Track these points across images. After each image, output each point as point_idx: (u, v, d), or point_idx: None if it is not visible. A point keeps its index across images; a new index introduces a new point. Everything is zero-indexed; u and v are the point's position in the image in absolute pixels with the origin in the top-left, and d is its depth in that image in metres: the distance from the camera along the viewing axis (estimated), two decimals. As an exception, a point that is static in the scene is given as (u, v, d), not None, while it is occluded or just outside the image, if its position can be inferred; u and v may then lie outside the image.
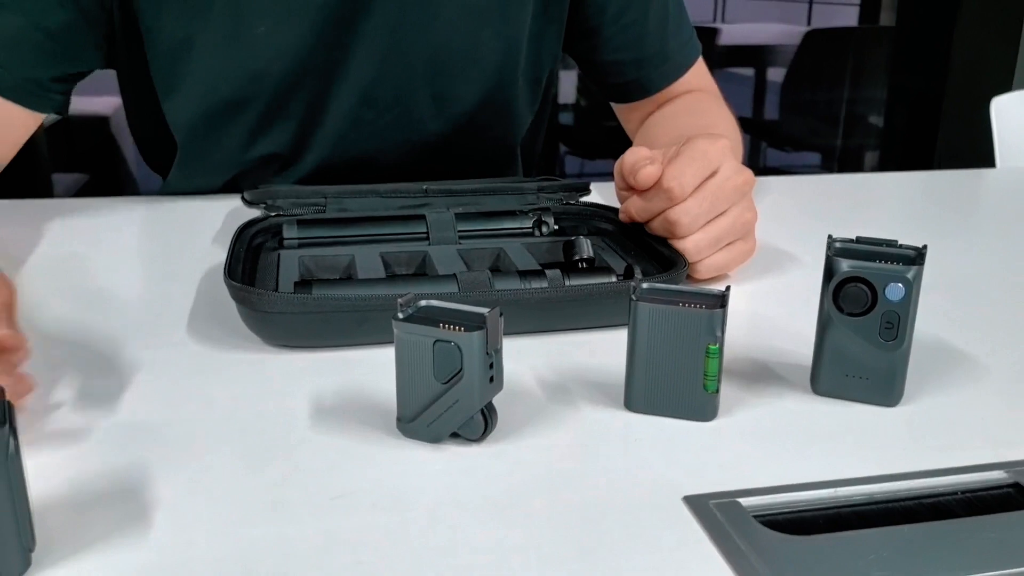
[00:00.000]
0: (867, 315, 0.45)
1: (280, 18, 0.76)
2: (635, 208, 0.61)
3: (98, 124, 2.52)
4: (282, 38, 0.76)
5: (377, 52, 0.78)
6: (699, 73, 0.88)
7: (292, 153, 0.81)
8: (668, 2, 0.85)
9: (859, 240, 0.47)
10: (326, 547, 0.35)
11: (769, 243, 0.74)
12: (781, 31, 3.56)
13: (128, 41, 0.77)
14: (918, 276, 0.44)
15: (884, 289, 0.44)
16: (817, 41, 2.80)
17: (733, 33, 3.46)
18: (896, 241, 0.46)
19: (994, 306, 0.61)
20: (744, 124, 2.99)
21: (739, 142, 0.85)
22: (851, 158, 2.82)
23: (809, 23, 7.15)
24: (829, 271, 0.46)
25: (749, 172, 0.60)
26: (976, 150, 1.32)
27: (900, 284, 0.44)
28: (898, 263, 0.45)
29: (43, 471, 0.40)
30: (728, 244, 0.61)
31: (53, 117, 0.79)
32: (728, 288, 0.44)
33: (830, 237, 0.46)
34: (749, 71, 3.50)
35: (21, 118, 0.75)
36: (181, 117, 0.81)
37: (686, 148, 0.59)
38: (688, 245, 0.59)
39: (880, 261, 0.45)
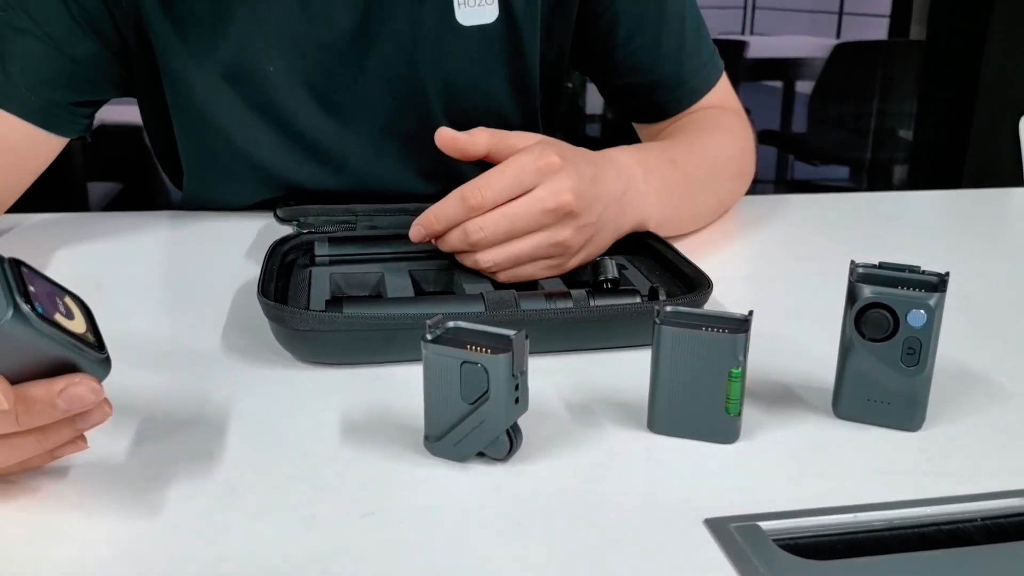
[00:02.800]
0: (889, 341, 0.46)
1: (289, 57, 0.78)
2: (434, 214, 0.59)
3: (131, 133, 2.55)
4: (294, 76, 0.78)
5: (392, 84, 0.80)
6: (720, 92, 0.88)
7: (314, 185, 0.83)
8: (685, 24, 0.85)
9: (882, 265, 0.47)
10: (356, 564, 0.36)
11: (792, 264, 0.75)
12: (810, 44, 3.55)
13: (145, 71, 0.79)
14: (940, 303, 0.45)
15: (906, 316, 0.45)
16: (846, 54, 2.79)
17: (762, 46, 3.46)
18: (919, 267, 0.47)
19: (1016, 330, 0.61)
20: (772, 137, 2.99)
21: (742, 162, 0.84)
22: (879, 172, 2.81)
23: (839, 36, 7.11)
24: (852, 297, 0.46)
25: (570, 197, 0.58)
26: (1006, 164, 1.31)
27: (922, 311, 0.45)
28: (920, 290, 0.45)
29: (74, 486, 0.41)
30: (534, 260, 0.60)
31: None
32: (751, 312, 0.45)
33: (853, 262, 0.47)
34: (778, 84, 3.50)
35: (45, 141, 0.77)
36: (192, 150, 0.83)
37: (507, 161, 0.59)
38: (480, 257, 0.59)
39: (902, 287, 0.45)
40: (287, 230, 0.69)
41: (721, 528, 0.38)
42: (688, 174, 0.75)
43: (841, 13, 7.27)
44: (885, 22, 3.42)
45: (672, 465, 0.44)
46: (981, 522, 0.39)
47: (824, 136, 2.93)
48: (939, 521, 0.39)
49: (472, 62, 0.81)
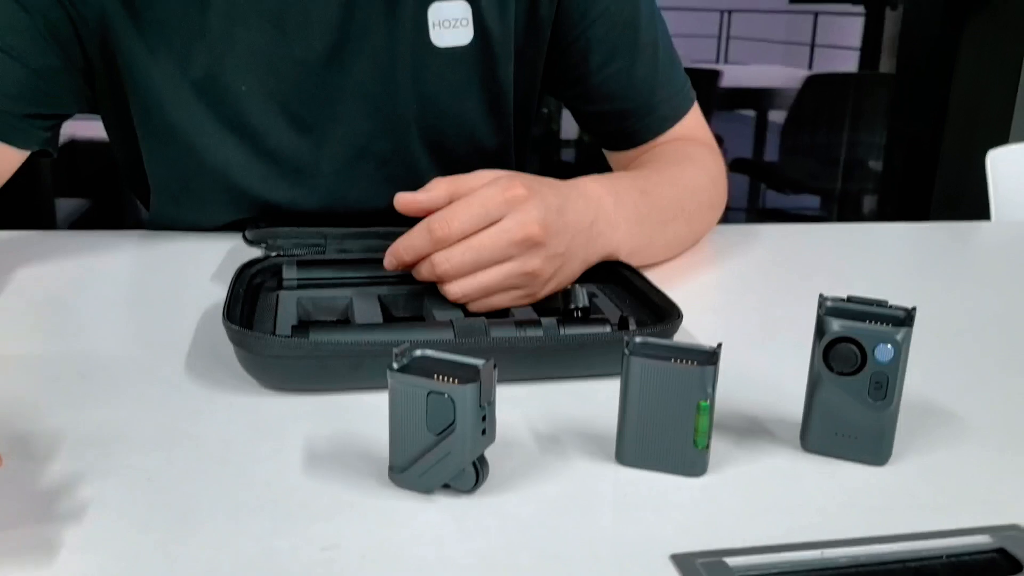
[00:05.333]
0: (857, 375, 0.45)
1: (263, 76, 0.77)
2: (402, 246, 0.59)
3: (100, 149, 2.53)
4: (267, 95, 0.78)
5: (367, 104, 0.80)
6: (691, 122, 0.89)
7: (287, 204, 0.82)
8: (657, 53, 0.85)
9: (850, 299, 0.47)
10: (315, 598, 0.35)
11: (762, 295, 0.75)
12: (783, 74, 3.60)
13: (111, 88, 0.79)
14: (907, 338, 0.45)
15: (873, 350, 0.45)
16: (817, 86, 2.83)
17: (735, 75, 3.50)
18: (886, 301, 0.47)
19: (983, 364, 0.62)
20: (744, 166, 3.01)
21: (712, 193, 0.84)
22: (849, 202, 2.84)
23: (811, 66, 7.22)
24: (820, 330, 0.46)
25: (536, 228, 0.58)
26: (972, 197, 1.33)
27: (889, 345, 0.45)
28: (888, 324, 0.45)
29: (31, 509, 0.40)
30: (504, 290, 0.60)
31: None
32: (720, 345, 0.45)
33: (822, 296, 0.47)
34: (751, 113, 3.53)
35: (3, 154, 0.75)
36: (160, 168, 0.82)
37: (474, 193, 0.58)
38: (448, 289, 0.59)
39: (870, 322, 0.45)
40: (255, 252, 0.68)
41: (687, 564, 0.37)
42: (658, 204, 0.75)
43: (813, 45, 7.39)
44: (856, 54, 3.48)
45: (639, 498, 0.43)
46: (946, 559, 0.39)
47: (795, 166, 2.97)
48: (905, 558, 0.39)
49: (447, 83, 0.81)
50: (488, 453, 0.43)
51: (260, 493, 0.43)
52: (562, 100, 0.92)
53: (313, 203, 0.82)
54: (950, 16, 2.06)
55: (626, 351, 0.45)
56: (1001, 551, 0.40)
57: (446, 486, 0.43)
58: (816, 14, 7.28)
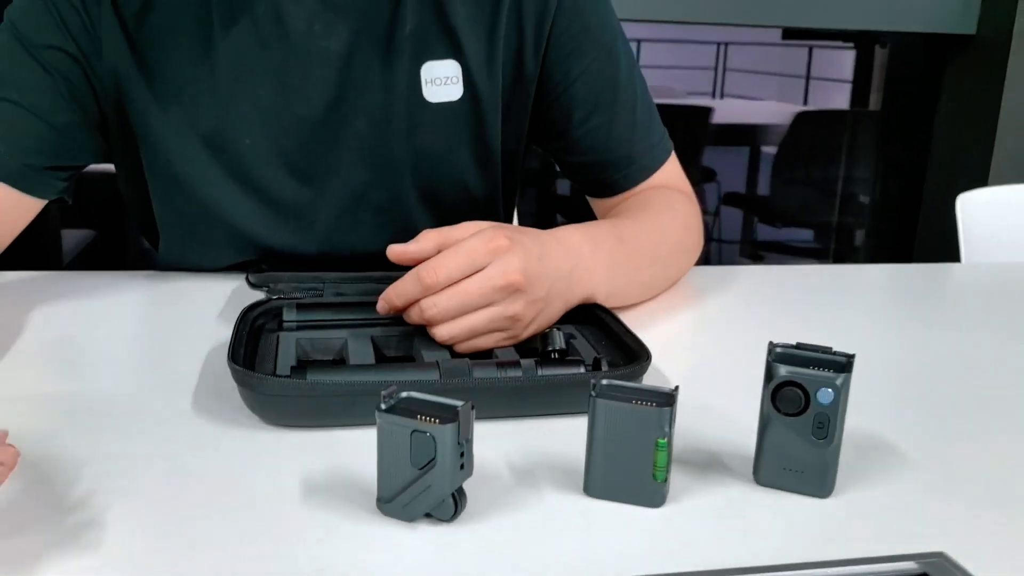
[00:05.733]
0: (801, 416, 0.50)
1: (266, 129, 0.83)
2: (394, 292, 0.64)
3: (105, 182, 2.59)
4: (270, 147, 0.83)
5: (364, 156, 0.85)
6: (669, 171, 0.94)
7: (288, 249, 0.87)
8: (636, 108, 0.91)
9: (799, 346, 0.52)
10: (309, 615, 0.40)
11: (732, 336, 0.80)
12: (775, 110, 3.67)
13: (123, 141, 0.84)
14: (846, 382, 0.50)
15: (816, 393, 0.50)
16: (806, 122, 2.90)
17: (730, 111, 3.57)
18: (831, 348, 0.52)
19: (930, 404, 0.66)
20: (737, 200, 3.06)
21: (687, 238, 0.89)
22: (839, 236, 2.89)
23: (806, 100, 7.30)
24: (769, 375, 0.51)
25: (518, 275, 0.63)
26: (954, 232, 1.37)
27: (830, 389, 0.50)
28: (829, 370, 0.50)
29: (51, 529, 0.45)
30: (489, 332, 0.65)
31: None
32: (677, 388, 0.49)
33: (771, 343, 0.52)
34: (745, 148, 3.60)
35: (22, 203, 0.81)
36: (169, 214, 0.87)
37: (461, 243, 0.64)
38: (437, 332, 0.64)
39: (814, 367, 0.50)
40: (258, 294, 0.73)
41: (641, 586, 0.42)
42: (635, 250, 0.80)
43: (808, 77, 7.48)
44: (850, 87, 3.55)
45: (603, 527, 0.48)
46: (875, 583, 0.44)
47: (786, 200, 3.03)
48: (838, 581, 0.44)
49: (439, 136, 0.87)
50: (466, 485, 0.48)
51: (260, 519, 0.47)
52: (547, 151, 0.97)
53: (312, 248, 0.88)
54: (932, 56, 2.13)
55: (592, 393, 0.50)
56: (923, 575, 0.44)
57: (428, 515, 0.47)
58: (811, 48, 7.38)
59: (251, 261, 0.87)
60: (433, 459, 0.45)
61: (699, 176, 3.14)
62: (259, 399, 0.57)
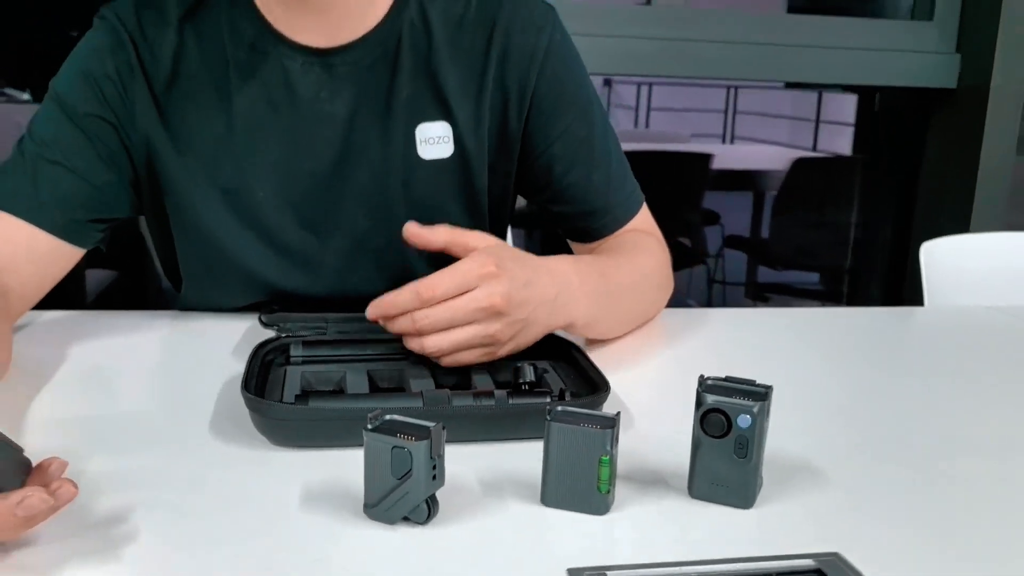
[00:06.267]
0: (724, 438, 0.59)
1: (278, 184, 0.93)
2: (388, 301, 0.73)
3: (127, 226, 2.72)
4: (281, 199, 0.94)
5: (365, 207, 0.95)
6: (641, 218, 1.04)
7: (297, 291, 0.97)
8: (611, 163, 1.01)
9: (727, 379, 0.61)
10: (303, 595, 0.49)
11: (690, 374, 0.88)
12: (776, 155, 3.78)
13: (152, 196, 0.95)
14: (763, 410, 0.59)
15: (736, 418, 0.59)
16: (802, 168, 3.00)
17: (731, 156, 3.67)
18: (754, 381, 0.61)
19: (856, 431, 0.75)
20: (739, 243, 3.13)
21: (660, 276, 0.99)
22: (836, 277, 2.98)
23: (815, 143, 7.41)
24: (698, 403, 0.60)
25: (499, 300, 0.72)
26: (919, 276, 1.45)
27: (748, 415, 0.58)
28: (748, 399, 0.59)
29: (85, 533, 0.54)
30: (470, 348, 0.74)
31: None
32: (618, 414, 0.59)
33: (701, 376, 0.61)
34: (749, 192, 3.71)
35: (66, 252, 0.91)
36: (191, 260, 0.98)
37: (455, 265, 0.73)
38: (426, 342, 0.73)
39: (736, 396, 0.59)
40: (270, 333, 0.83)
41: (577, 574, 0.51)
42: (615, 283, 0.90)
43: (818, 121, 7.60)
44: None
45: (554, 531, 0.57)
46: (776, 574, 0.52)
47: (784, 243, 3.12)
48: (743, 572, 0.52)
49: (432, 190, 0.97)
50: (440, 495, 0.57)
51: (266, 522, 0.56)
52: (530, 201, 1.07)
53: (319, 289, 0.97)
54: (918, 108, 2.23)
55: (548, 418, 0.59)
56: (818, 571, 0.53)
57: (406, 519, 0.56)
58: (820, 92, 7.50)
59: (264, 302, 0.97)
60: (410, 470, 0.54)
61: (700, 219, 3.24)
62: (267, 423, 0.66)
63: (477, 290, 0.73)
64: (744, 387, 0.60)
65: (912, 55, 2.09)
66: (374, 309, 0.75)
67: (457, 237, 0.78)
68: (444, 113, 0.95)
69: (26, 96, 2.78)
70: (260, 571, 0.51)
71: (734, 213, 3.83)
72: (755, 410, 0.58)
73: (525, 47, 0.96)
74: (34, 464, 0.52)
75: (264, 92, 0.92)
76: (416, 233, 0.78)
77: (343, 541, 0.55)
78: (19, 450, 0.51)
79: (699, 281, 3.58)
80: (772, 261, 3.24)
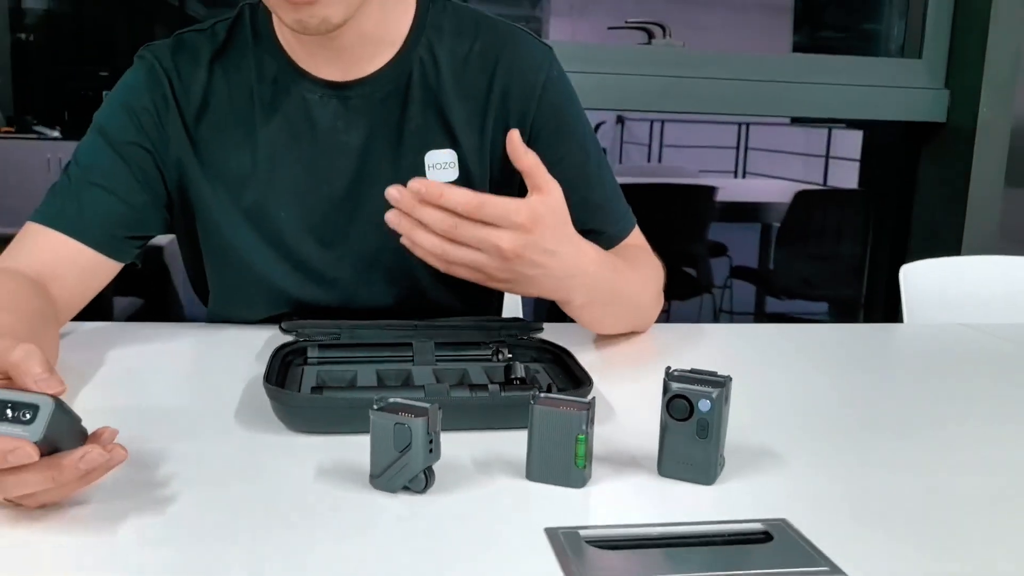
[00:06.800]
0: (687, 420, 0.67)
1: (298, 205, 1.03)
2: (434, 192, 0.79)
3: (153, 253, 2.83)
4: (299, 220, 1.03)
5: (376, 227, 1.04)
6: (634, 238, 1.13)
7: (314, 302, 1.06)
8: (605, 188, 1.09)
9: (692, 370, 0.69)
10: (326, 550, 0.57)
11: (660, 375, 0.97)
12: (779, 188, 3.87)
13: (183, 216, 1.05)
14: (721, 396, 0.67)
15: (697, 403, 0.67)
16: (805, 200, 3.09)
17: (735, 189, 3.75)
18: (715, 372, 0.69)
19: (821, 425, 0.82)
20: (745, 273, 3.20)
21: (656, 287, 1.07)
22: (835, 305, 3.04)
23: (825, 178, 7.49)
24: (665, 390, 0.68)
25: (511, 249, 0.79)
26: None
27: (708, 400, 0.66)
28: (709, 387, 0.67)
29: (132, 506, 0.62)
30: (465, 266, 0.81)
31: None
32: (593, 399, 0.67)
33: (667, 368, 0.69)
34: (757, 224, 3.79)
35: (106, 265, 1.00)
36: (218, 276, 1.07)
37: (507, 200, 0.80)
38: (431, 240, 0.80)
39: (698, 384, 0.67)
40: (289, 339, 0.92)
41: (552, 533, 0.59)
42: (621, 285, 0.98)
43: (828, 156, 7.68)
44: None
45: (536, 501, 0.65)
46: (728, 535, 0.60)
47: (788, 273, 3.19)
48: (702, 534, 0.60)
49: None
50: (437, 470, 0.65)
51: (288, 495, 0.65)
52: None
53: (334, 302, 1.06)
54: (909, 142, 2.32)
55: (532, 402, 0.67)
56: (765, 533, 0.61)
57: (406, 488, 0.64)
58: (830, 128, 7.59)
59: (284, 314, 1.06)
60: (409, 444, 0.63)
61: (706, 250, 3.31)
62: (286, 411, 0.75)
63: (502, 230, 0.80)
64: (706, 377, 0.69)
65: (903, 91, 2.18)
66: (419, 185, 0.79)
67: (537, 171, 0.85)
68: (450, 141, 1.04)
69: (55, 133, 2.92)
70: (280, 531, 0.59)
71: (738, 246, 3.92)
72: (714, 396, 0.66)
73: (525, 83, 1.05)
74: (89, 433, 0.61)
75: (286, 123, 1.02)
76: (516, 143, 0.84)
77: (351, 507, 0.63)
78: (78, 420, 0.59)
79: (707, 311, 3.66)
80: (776, 291, 3.31)
